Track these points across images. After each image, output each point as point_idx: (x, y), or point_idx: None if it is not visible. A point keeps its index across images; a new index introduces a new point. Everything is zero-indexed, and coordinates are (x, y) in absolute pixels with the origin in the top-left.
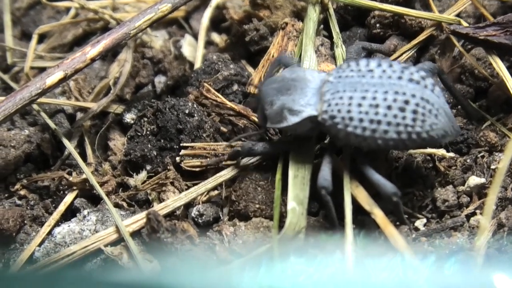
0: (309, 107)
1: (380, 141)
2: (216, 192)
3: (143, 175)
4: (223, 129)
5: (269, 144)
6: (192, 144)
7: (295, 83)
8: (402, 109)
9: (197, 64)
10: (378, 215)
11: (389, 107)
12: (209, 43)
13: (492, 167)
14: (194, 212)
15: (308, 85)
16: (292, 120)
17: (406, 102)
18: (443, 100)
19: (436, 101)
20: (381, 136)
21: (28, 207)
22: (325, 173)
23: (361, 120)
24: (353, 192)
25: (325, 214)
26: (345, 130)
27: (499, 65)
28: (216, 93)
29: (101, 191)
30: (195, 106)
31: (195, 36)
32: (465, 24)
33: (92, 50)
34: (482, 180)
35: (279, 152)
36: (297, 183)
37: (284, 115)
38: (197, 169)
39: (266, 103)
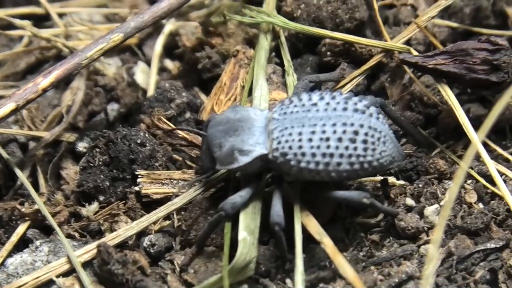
0: (258, 146)
1: (333, 174)
2: (168, 221)
3: (95, 206)
4: (176, 157)
5: (247, 189)
6: (147, 172)
7: (241, 123)
8: (352, 140)
9: (150, 91)
10: (328, 244)
11: (339, 139)
12: (162, 69)
13: (441, 195)
14: (146, 242)
15: (255, 124)
16: (243, 160)
17: (356, 132)
18: (387, 126)
19: (383, 128)
20: (335, 168)
21: None
22: (277, 209)
23: (313, 155)
24: (303, 221)
25: (275, 244)
26: (298, 166)
27: (448, 93)
28: (168, 122)
29: (53, 222)
30: (147, 135)
31: (148, 63)
32: (414, 52)
33: (44, 80)
34: (435, 206)
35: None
36: (248, 213)
37: (234, 156)
38: (157, 197)
39: (214, 146)
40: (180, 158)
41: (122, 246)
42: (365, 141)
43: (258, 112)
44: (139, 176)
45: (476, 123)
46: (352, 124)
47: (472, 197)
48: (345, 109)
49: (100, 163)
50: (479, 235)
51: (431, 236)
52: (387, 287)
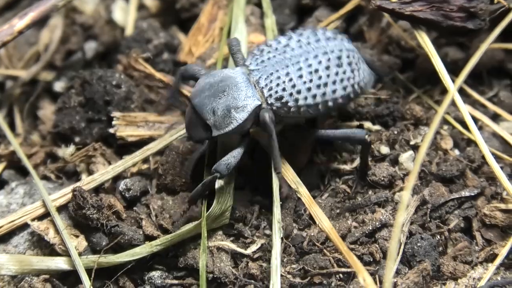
0: (250, 99)
1: (331, 103)
2: (145, 165)
3: (71, 148)
4: (153, 97)
5: (238, 149)
6: (123, 114)
7: (225, 83)
8: (339, 65)
9: (128, 30)
10: (304, 193)
11: (327, 68)
12: (141, 6)
13: (417, 140)
14: (121, 186)
15: (238, 81)
16: (241, 117)
17: (339, 57)
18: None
19: (355, 50)
20: (331, 97)
21: None
22: (231, 161)
23: (309, 89)
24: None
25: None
26: (296, 105)
27: (424, 40)
28: (145, 63)
29: (28, 165)
30: (122, 77)
31: (127, 0)
32: None
33: (19, 22)
34: (410, 153)
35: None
36: None
37: (231, 116)
38: (132, 139)
39: (206, 113)
40: (157, 99)
41: (97, 190)
42: (349, 63)
43: (233, 70)
44: (114, 118)
45: (454, 67)
46: (332, 51)
47: (447, 144)
48: (318, 40)
49: (75, 104)
50: (454, 183)
51: (406, 183)
52: (361, 234)
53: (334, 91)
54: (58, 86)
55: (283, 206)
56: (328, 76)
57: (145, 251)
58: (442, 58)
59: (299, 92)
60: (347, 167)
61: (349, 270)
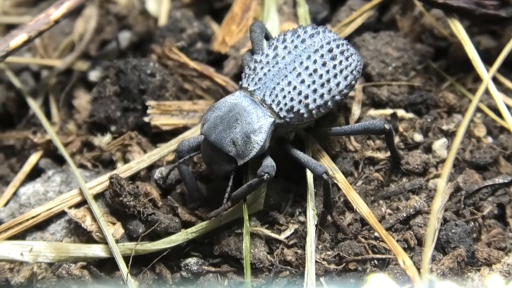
0: (263, 118)
1: (337, 97)
2: None
3: (107, 137)
4: (187, 87)
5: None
6: (157, 102)
7: (235, 111)
8: (333, 58)
9: (162, 20)
10: (340, 179)
11: (324, 64)
12: None
13: (451, 128)
14: (157, 174)
15: (243, 106)
16: (261, 139)
17: (330, 50)
18: None
19: (339, 36)
20: (337, 90)
21: None
22: (272, 163)
23: (315, 91)
24: (314, 156)
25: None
26: (308, 109)
27: (458, 28)
28: (179, 53)
29: (65, 153)
30: (156, 66)
31: None
32: None
33: (56, 11)
34: (443, 140)
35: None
36: None
37: (252, 140)
38: (166, 128)
39: (227, 146)
40: (191, 88)
41: (133, 178)
42: (342, 52)
43: (234, 96)
44: (149, 107)
45: (487, 56)
46: (321, 46)
47: (481, 131)
48: (303, 40)
49: (110, 93)
50: (487, 170)
51: (440, 170)
52: (395, 221)
53: (338, 84)
54: (93, 75)
55: (317, 194)
56: (328, 72)
57: (181, 238)
58: (474, 47)
59: (306, 97)
60: (381, 155)
61: (384, 256)
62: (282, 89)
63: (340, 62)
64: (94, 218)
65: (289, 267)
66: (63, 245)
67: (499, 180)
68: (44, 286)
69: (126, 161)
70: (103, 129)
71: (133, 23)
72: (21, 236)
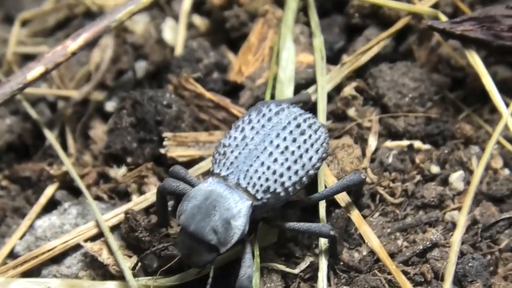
0: (241, 202)
1: (311, 171)
2: None
3: (123, 169)
4: (203, 117)
5: (247, 256)
6: (173, 134)
7: (212, 199)
8: (302, 133)
9: (178, 49)
10: (353, 212)
11: (294, 140)
12: (190, 25)
13: (467, 161)
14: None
15: (219, 192)
16: (241, 223)
17: (298, 125)
18: None
19: (301, 109)
20: (310, 164)
21: (10, 198)
22: (250, 271)
23: (288, 168)
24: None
25: None
26: (284, 187)
27: (475, 60)
28: (195, 83)
29: (81, 185)
30: (172, 96)
31: (177, 19)
32: (442, 16)
33: (72, 44)
34: (460, 172)
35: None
36: None
37: (232, 227)
38: (182, 159)
39: (208, 235)
40: (207, 119)
41: (148, 210)
42: (310, 126)
43: (207, 183)
44: (165, 138)
45: (503, 86)
46: (289, 123)
47: (498, 163)
48: (269, 119)
49: (127, 124)
50: (504, 202)
51: (456, 203)
52: (412, 253)
53: (310, 158)
54: (109, 106)
55: (334, 225)
56: (299, 147)
57: (194, 273)
58: (491, 77)
59: (281, 175)
60: (399, 186)
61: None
62: (256, 170)
63: (310, 136)
64: (110, 251)
65: None
66: (78, 282)
67: None
68: None
69: (141, 193)
70: (119, 160)
71: (149, 53)
72: (37, 269)
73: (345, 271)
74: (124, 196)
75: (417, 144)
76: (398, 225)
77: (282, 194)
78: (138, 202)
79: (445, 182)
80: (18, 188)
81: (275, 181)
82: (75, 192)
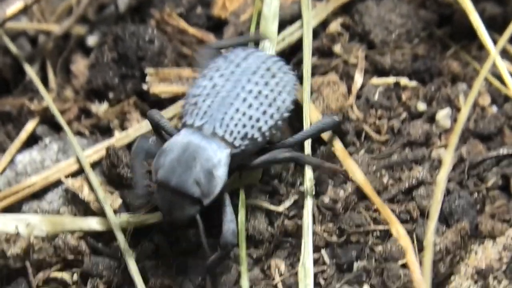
0: (219, 152)
1: (286, 113)
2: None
3: (105, 106)
4: (186, 52)
5: (227, 209)
6: (156, 70)
7: (190, 150)
8: (273, 75)
9: None
10: (338, 147)
11: (266, 83)
12: None
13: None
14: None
15: (195, 142)
16: (222, 172)
17: (268, 69)
18: None
19: (267, 53)
20: (285, 106)
21: None
22: (233, 226)
23: (264, 112)
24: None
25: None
26: (261, 132)
27: None
28: (178, 18)
29: (61, 120)
30: (155, 32)
31: None
32: None
33: None
34: (447, 110)
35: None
36: None
37: (214, 176)
38: (165, 95)
39: (191, 187)
40: (190, 53)
41: (130, 146)
42: (279, 68)
43: (181, 135)
44: (148, 74)
45: (492, 23)
46: (258, 67)
47: (485, 100)
48: (238, 65)
49: (108, 60)
50: (491, 140)
51: (443, 140)
52: (398, 191)
53: (284, 101)
54: (91, 40)
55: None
56: (272, 90)
57: None
58: (479, 14)
59: (258, 120)
60: (384, 123)
61: (386, 227)
62: (232, 118)
63: (281, 79)
64: (91, 188)
65: (289, 239)
66: (59, 218)
67: (503, 150)
68: (41, 256)
69: (124, 128)
70: (101, 96)
71: None
72: (17, 205)
73: (330, 209)
74: (106, 131)
75: (404, 81)
76: (383, 162)
77: (260, 139)
78: (120, 138)
79: (432, 119)
80: None
81: (252, 126)
82: (56, 128)
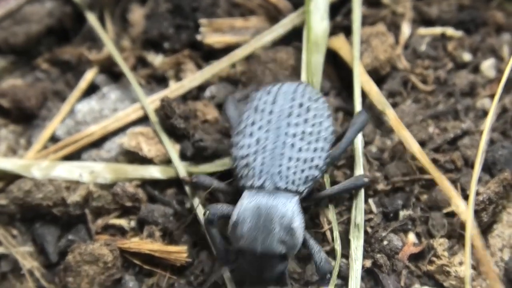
0: (289, 203)
1: (331, 138)
2: (232, 71)
3: (160, 57)
4: (239, 1)
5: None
6: (209, 20)
7: (263, 212)
8: (308, 109)
9: None
10: (391, 116)
11: (306, 121)
12: None
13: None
14: (207, 93)
15: (266, 202)
16: (299, 222)
17: (301, 104)
18: None
19: (299, 84)
20: (330, 132)
21: (50, 82)
22: (324, 254)
23: (315, 150)
24: (364, 87)
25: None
26: (319, 169)
27: None
28: None
29: (126, 69)
30: None
31: None
32: None
33: None
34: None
35: None
36: None
37: (294, 229)
38: (218, 46)
39: (278, 248)
40: (243, 3)
41: (185, 96)
42: (309, 99)
43: (247, 200)
44: (201, 25)
45: None
46: (291, 107)
47: None
48: (270, 112)
49: (163, 10)
50: None
51: (488, 91)
52: (443, 141)
53: (326, 128)
54: None
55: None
56: (313, 125)
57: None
58: None
59: (312, 159)
60: (431, 74)
61: (431, 177)
62: (288, 168)
63: (316, 108)
64: (149, 136)
65: None
66: (121, 166)
67: None
68: (99, 204)
69: (178, 79)
70: (157, 46)
71: None
72: (77, 153)
73: (377, 158)
74: (161, 81)
75: (450, 31)
76: (429, 112)
77: (320, 175)
78: (175, 89)
79: (476, 69)
80: (58, 71)
81: (310, 168)
82: (114, 77)
